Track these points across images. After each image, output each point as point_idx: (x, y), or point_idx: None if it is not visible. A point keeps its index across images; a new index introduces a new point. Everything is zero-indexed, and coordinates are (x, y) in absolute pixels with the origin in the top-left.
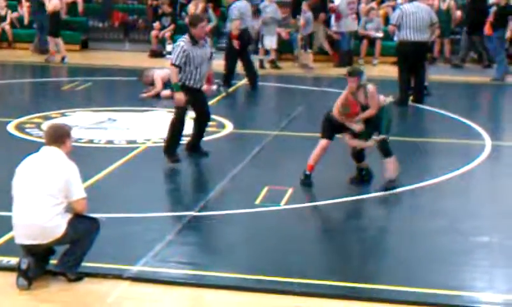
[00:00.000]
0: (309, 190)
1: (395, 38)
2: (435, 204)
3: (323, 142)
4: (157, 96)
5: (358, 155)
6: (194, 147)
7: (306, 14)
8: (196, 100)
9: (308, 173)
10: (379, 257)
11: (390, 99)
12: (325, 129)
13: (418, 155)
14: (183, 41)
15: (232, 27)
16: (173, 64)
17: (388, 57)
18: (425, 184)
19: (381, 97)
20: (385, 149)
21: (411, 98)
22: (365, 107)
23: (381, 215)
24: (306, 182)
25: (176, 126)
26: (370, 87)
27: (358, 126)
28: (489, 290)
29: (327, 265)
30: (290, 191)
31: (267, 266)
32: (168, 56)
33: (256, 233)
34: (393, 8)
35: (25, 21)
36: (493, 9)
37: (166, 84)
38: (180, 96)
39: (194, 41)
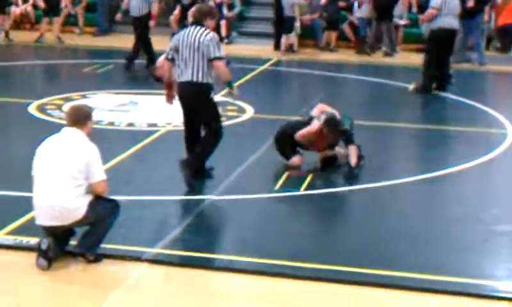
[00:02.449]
0: (329, 176)
1: (425, 25)
2: (456, 193)
3: (295, 159)
4: None
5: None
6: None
7: None
8: None
9: None
10: (397, 244)
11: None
12: (287, 149)
13: (439, 143)
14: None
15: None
16: (222, 58)
17: (410, 44)
18: (446, 172)
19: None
20: (349, 138)
21: (433, 85)
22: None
23: (401, 203)
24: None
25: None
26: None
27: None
28: (509, 279)
29: (344, 250)
30: (309, 177)
31: (283, 251)
32: None
33: (275, 218)
34: None
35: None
36: None
37: None
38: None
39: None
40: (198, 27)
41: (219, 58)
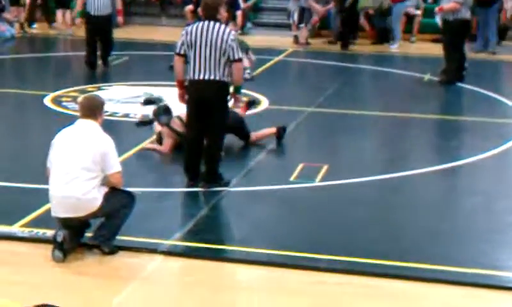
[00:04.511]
0: (344, 167)
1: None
2: (470, 183)
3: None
4: None
5: None
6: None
7: None
8: None
9: None
10: (412, 234)
11: None
12: None
13: (454, 134)
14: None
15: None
16: (241, 59)
17: (426, 35)
18: (461, 163)
19: None
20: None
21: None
22: None
23: (416, 193)
24: None
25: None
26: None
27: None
28: None
29: (359, 241)
30: (325, 168)
31: (298, 242)
32: None
33: (290, 209)
34: None
35: None
36: None
37: None
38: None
39: None
40: (217, 24)
41: (240, 60)
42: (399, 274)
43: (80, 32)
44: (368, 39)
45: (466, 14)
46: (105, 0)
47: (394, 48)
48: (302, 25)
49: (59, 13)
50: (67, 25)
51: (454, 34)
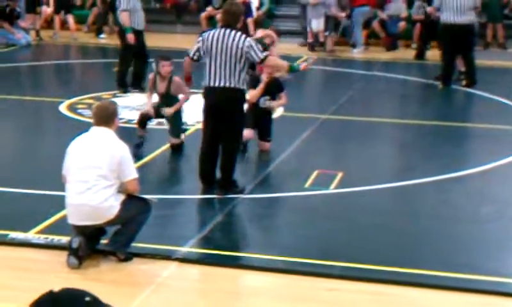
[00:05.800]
0: (359, 174)
1: None
2: (484, 191)
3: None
4: None
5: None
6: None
7: None
8: None
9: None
10: (427, 242)
11: None
12: None
13: (468, 141)
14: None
15: None
16: (267, 57)
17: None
18: (475, 170)
19: None
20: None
21: (463, 82)
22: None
23: (430, 201)
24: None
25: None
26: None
27: None
28: None
29: (373, 249)
30: (339, 175)
31: (312, 249)
32: None
33: (305, 216)
34: None
35: None
36: None
37: None
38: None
39: None
40: (233, 31)
41: (265, 58)
42: (413, 282)
43: (88, 39)
44: (382, 46)
45: (449, 18)
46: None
47: (356, 52)
48: (327, 33)
49: (57, 18)
50: (72, 30)
51: (444, 38)
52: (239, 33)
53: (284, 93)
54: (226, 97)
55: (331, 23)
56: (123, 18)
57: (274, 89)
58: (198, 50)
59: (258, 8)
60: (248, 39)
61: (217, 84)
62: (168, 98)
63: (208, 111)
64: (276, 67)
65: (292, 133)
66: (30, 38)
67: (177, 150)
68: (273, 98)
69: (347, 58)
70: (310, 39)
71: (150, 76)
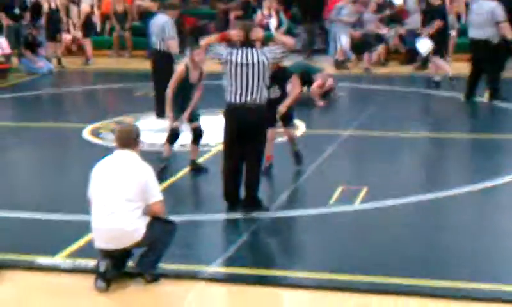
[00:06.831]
0: (383, 189)
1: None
2: (510, 203)
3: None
4: None
5: None
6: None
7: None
8: None
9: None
10: (452, 255)
11: None
12: None
13: (492, 153)
14: None
15: None
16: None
17: (462, 55)
18: (501, 182)
19: None
20: None
21: (486, 95)
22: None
23: (455, 214)
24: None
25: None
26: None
27: None
28: None
29: (399, 262)
30: (364, 191)
31: (340, 265)
32: None
33: (331, 232)
34: (466, 4)
35: None
36: None
37: None
38: None
39: None
40: (254, 49)
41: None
42: (442, 294)
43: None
44: (401, 60)
45: (470, 33)
46: None
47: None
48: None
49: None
50: (89, 55)
51: (469, 52)
52: (259, 49)
53: (292, 78)
54: (252, 114)
55: (371, 39)
56: (173, 45)
57: (279, 78)
58: (220, 53)
59: (277, 28)
60: (266, 48)
61: (243, 100)
62: (194, 88)
63: (233, 129)
64: (286, 40)
65: (316, 150)
66: (52, 65)
67: (199, 171)
68: (281, 87)
69: (367, 74)
70: (340, 57)
71: (179, 68)
